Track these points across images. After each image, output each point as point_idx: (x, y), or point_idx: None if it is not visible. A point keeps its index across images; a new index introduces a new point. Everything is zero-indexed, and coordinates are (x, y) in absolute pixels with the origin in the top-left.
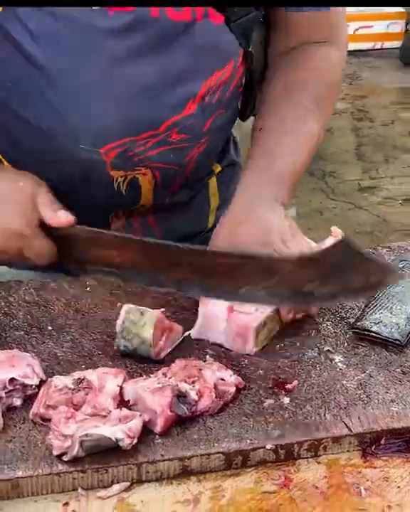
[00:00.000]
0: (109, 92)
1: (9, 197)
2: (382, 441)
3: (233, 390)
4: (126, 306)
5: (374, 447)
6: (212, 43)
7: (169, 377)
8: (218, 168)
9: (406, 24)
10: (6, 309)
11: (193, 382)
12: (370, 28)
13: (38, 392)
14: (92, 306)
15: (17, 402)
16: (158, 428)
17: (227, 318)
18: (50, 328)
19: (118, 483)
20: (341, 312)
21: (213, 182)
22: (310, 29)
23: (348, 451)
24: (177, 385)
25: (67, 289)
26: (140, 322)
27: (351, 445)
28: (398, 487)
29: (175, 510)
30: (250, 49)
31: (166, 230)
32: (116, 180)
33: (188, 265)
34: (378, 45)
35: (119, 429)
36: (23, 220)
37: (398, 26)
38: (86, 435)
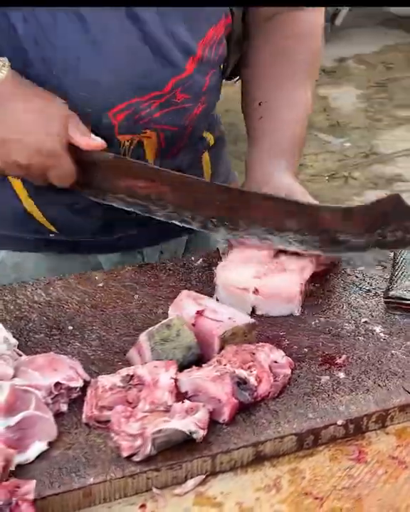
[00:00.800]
0: (112, 53)
1: (46, 114)
2: None
3: (288, 371)
4: (143, 335)
5: None
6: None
7: (224, 365)
8: (211, 139)
9: None
10: (17, 313)
11: (249, 367)
12: None
13: (82, 395)
14: (108, 301)
15: (63, 407)
16: (225, 417)
17: (194, 322)
18: (70, 327)
19: (192, 477)
20: (365, 284)
21: (206, 157)
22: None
23: None
24: (235, 372)
25: (76, 285)
26: (172, 334)
27: None
28: None
29: (259, 497)
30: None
31: None
32: (122, 146)
33: (218, 204)
34: None
35: (190, 422)
36: (57, 140)
37: None
38: (159, 431)
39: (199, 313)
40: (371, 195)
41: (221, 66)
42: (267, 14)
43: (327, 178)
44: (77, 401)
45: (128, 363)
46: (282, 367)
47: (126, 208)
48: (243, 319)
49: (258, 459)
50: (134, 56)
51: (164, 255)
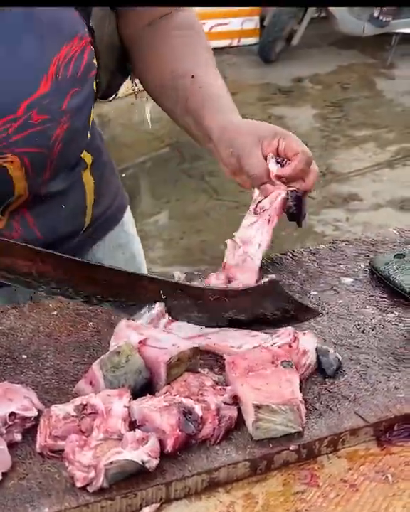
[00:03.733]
0: None
1: None
2: (395, 428)
3: (234, 413)
4: (95, 364)
5: (388, 435)
6: (55, 19)
7: (174, 395)
8: (89, 159)
9: (261, 21)
10: None
11: (197, 399)
12: (226, 25)
13: (36, 425)
14: (62, 329)
15: (17, 436)
16: (168, 448)
17: (138, 352)
18: (24, 356)
19: (147, 505)
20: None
21: (87, 175)
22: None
23: (364, 441)
24: (182, 402)
25: (30, 314)
26: (121, 361)
27: (367, 435)
28: None
29: None
30: (90, 24)
31: (45, 229)
32: None
33: (103, 283)
34: (234, 42)
35: (143, 452)
36: None
37: (253, 23)
38: (111, 463)
39: (142, 342)
40: (328, 214)
41: (94, 85)
42: (149, 19)
43: None
44: (31, 431)
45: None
46: (230, 409)
47: (7, 283)
48: (187, 344)
49: (212, 486)
50: None
51: None
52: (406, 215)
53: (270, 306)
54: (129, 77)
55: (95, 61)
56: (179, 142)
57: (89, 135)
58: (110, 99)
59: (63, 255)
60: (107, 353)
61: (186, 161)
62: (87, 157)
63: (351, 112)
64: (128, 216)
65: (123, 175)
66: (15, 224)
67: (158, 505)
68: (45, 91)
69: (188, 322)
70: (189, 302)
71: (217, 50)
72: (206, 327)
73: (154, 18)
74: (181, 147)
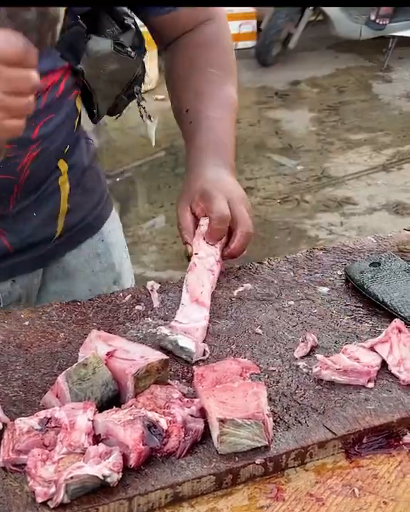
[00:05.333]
0: None
1: None
2: (364, 440)
3: (201, 426)
4: (61, 376)
5: (356, 447)
6: None
7: (140, 408)
8: (65, 166)
9: (258, 24)
10: None
11: (163, 412)
12: None
13: (0, 438)
14: (33, 340)
15: None
16: (131, 462)
17: (106, 364)
18: None
19: None
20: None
21: (63, 181)
22: (188, 18)
23: (332, 454)
24: (146, 415)
25: (1, 324)
26: (88, 373)
27: (336, 448)
28: (389, 482)
29: None
30: (78, 66)
31: (15, 239)
32: None
33: None
34: None
35: (104, 466)
36: None
37: (250, 26)
38: (71, 478)
39: (110, 354)
40: (323, 218)
41: (74, 113)
42: (176, 33)
43: (279, 201)
44: None
45: None
46: (197, 422)
47: None
48: (156, 356)
49: (176, 500)
50: None
51: (17, 283)
52: (400, 219)
53: None
54: (136, 100)
55: (77, 88)
56: (173, 146)
57: (66, 149)
58: (116, 117)
59: None
60: (74, 364)
61: (181, 166)
62: (62, 165)
63: (348, 115)
64: (111, 226)
65: (118, 179)
66: None
67: None
68: None
69: None
70: None
71: None
72: None
73: (180, 32)
74: (175, 151)
